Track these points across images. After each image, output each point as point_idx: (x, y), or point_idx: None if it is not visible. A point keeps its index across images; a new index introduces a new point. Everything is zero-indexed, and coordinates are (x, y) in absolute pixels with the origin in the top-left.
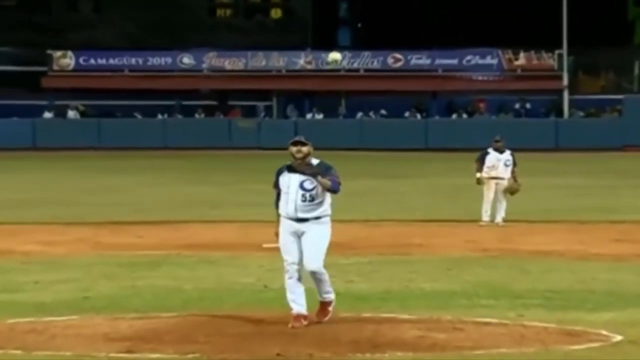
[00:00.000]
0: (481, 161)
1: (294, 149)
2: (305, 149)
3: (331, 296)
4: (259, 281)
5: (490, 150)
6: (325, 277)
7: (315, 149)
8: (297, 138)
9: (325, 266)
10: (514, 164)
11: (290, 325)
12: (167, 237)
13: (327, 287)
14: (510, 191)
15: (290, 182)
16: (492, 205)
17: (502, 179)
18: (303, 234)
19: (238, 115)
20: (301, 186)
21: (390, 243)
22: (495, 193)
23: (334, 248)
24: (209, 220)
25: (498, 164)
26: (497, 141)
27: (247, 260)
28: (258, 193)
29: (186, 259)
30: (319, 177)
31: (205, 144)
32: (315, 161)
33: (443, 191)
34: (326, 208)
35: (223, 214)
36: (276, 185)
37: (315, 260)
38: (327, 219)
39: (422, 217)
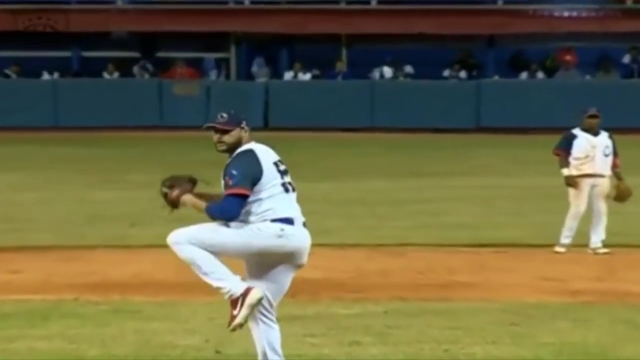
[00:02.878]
0: (565, 149)
1: (214, 137)
2: (228, 138)
3: None
4: (207, 343)
5: (577, 131)
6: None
7: (296, 130)
8: (216, 119)
9: (314, 316)
10: (615, 154)
11: None
12: (60, 272)
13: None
14: (618, 197)
15: None
16: (578, 220)
17: (601, 176)
18: None
19: (176, 75)
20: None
21: (420, 281)
22: (592, 201)
23: (327, 289)
24: (127, 244)
25: (593, 152)
26: (592, 116)
27: (189, 309)
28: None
29: (90, 308)
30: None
31: (120, 121)
32: (243, 148)
33: (504, 198)
34: (259, 215)
35: (149, 235)
36: None
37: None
38: (258, 225)
39: (470, 239)
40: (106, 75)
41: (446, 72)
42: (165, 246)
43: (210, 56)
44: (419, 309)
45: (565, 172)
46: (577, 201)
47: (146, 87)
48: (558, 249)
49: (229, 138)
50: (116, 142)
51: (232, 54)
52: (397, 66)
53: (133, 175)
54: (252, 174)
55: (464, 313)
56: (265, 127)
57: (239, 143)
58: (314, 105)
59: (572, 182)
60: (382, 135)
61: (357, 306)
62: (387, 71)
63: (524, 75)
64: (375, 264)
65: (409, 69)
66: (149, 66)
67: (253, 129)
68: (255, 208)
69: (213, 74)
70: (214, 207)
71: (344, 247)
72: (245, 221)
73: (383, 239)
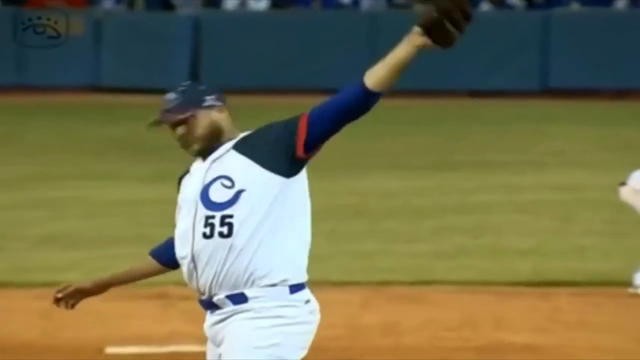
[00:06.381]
0: None
1: (173, 134)
2: (198, 129)
3: None
4: None
5: None
6: None
7: (246, 93)
8: (163, 111)
9: None
10: None
11: None
12: None
13: None
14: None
15: (188, 193)
16: None
17: None
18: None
19: (43, 1)
20: (203, 197)
21: (450, 343)
22: None
23: None
24: None
25: None
26: None
27: None
28: (89, 208)
29: None
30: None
31: None
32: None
33: (589, 206)
34: (279, 265)
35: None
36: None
37: None
38: (277, 302)
39: (533, 274)
40: None
41: None
42: (22, 286)
43: None
44: None
45: None
46: None
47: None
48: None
49: (199, 129)
50: None
51: None
52: None
53: None
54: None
55: None
56: None
57: (218, 133)
58: (275, 52)
59: None
60: (393, 102)
61: None
62: None
63: (620, 3)
64: (377, 314)
65: None
66: None
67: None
68: (289, 241)
69: (108, 2)
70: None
71: (328, 286)
72: (266, 269)
73: (392, 273)
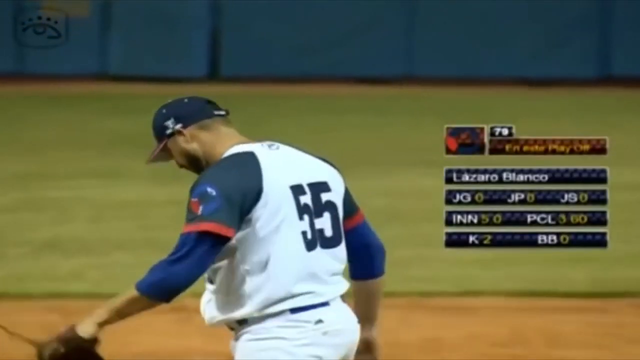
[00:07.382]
0: None
1: None
2: (176, 155)
3: None
4: None
5: None
6: None
7: (269, 82)
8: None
9: None
10: None
11: None
12: None
13: None
14: None
15: None
16: None
17: None
18: None
19: None
20: None
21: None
22: None
23: None
24: None
25: None
26: None
27: None
28: (95, 209)
29: None
30: None
31: None
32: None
33: None
34: (248, 301)
35: None
36: None
37: None
38: (259, 329)
39: (593, 283)
40: None
41: None
42: (29, 297)
43: None
44: None
45: None
46: None
47: None
48: None
49: (178, 158)
50: None
51: None
52: None
53: None
54: (240, 196)
55: None
56: (212, 77)
57: (196, 160)
58: (301, 38)
59: None
60: (431, 90)
61: None
62: None
63: None
64: (416, 328)
65: None
66: None
67: (193, 79)
68: (240, 283)
69: None
70: (142, 281)
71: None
72: (239, 306)
73: (432, 283)
